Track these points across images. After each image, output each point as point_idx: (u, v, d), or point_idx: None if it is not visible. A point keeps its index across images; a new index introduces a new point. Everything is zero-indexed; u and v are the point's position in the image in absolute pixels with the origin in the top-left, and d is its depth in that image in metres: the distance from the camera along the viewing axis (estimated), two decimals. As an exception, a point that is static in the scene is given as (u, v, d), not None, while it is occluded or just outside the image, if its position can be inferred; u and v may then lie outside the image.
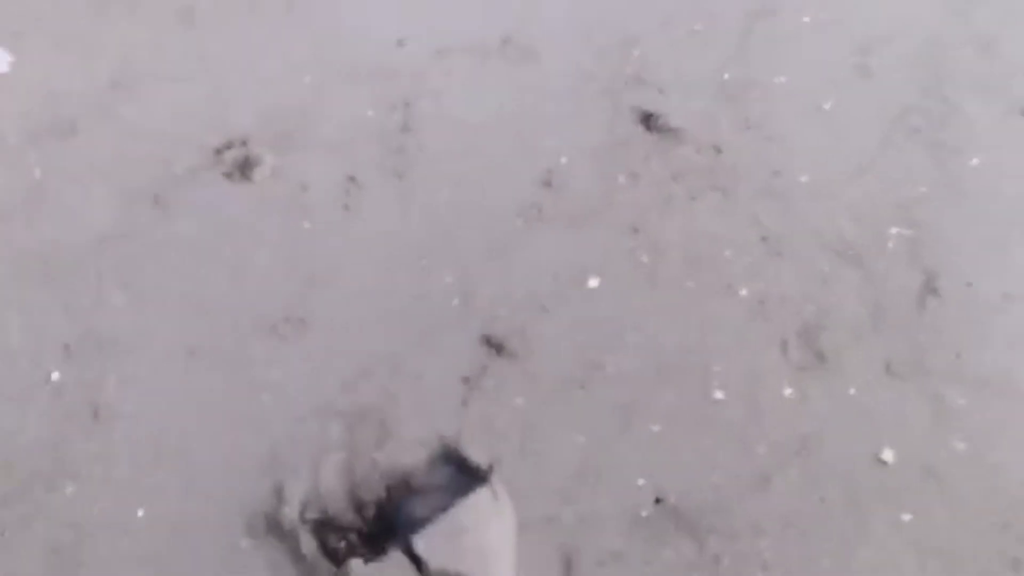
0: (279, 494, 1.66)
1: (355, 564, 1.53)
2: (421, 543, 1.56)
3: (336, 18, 2.80)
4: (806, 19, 3.03)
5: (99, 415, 1.78)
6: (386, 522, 1.66)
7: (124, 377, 1.82)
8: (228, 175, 2.20)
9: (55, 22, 2.67)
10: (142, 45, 2.59)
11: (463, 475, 1.72)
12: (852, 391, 1.97)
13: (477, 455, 1.75)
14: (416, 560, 1.54)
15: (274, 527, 1.62)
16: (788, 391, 1.96)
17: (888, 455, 1.86)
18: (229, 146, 2.28)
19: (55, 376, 1.83)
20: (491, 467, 1.71)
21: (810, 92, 2.74)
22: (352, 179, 2.25)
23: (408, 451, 1.75)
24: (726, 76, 2.76)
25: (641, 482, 1.76)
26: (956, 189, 2.47)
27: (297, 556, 1.58)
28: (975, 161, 2.54)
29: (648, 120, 2.55)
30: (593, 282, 2.11)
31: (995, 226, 2.37)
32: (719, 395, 1.93)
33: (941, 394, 1.99)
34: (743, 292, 2.14)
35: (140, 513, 1.65)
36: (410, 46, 2.70)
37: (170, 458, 1.73)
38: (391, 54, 2.67)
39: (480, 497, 1.64)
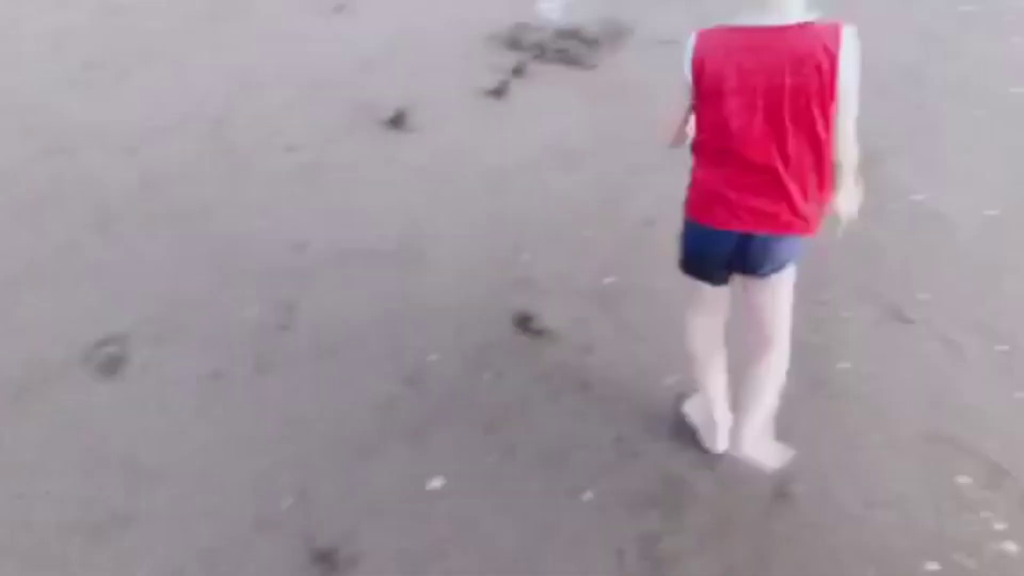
0: None
1: None
2: None
3: (244, 221, 3.02)
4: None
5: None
6: None
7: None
8: (98, 371, 2.29)
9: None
10: (44, 249, 2.80)
11: None
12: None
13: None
14: None
15: None
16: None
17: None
18: (105, 343, 2.39)
19: None
20: None
21: (681, 299, 2.85)
22: (217, 375, 2.33)
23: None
24: (606, 280, 2.90)
25: None
26: (819, 389, 2.49)
27: None
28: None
29: (524, 322, 2.65)
30: (436, 483, 2.12)
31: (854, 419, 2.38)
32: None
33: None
34: (587, 495, 2.13)
35: None
36: (309, 249, 2.89)
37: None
38: (289, 256, 2.84)
39: None
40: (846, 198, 1.78)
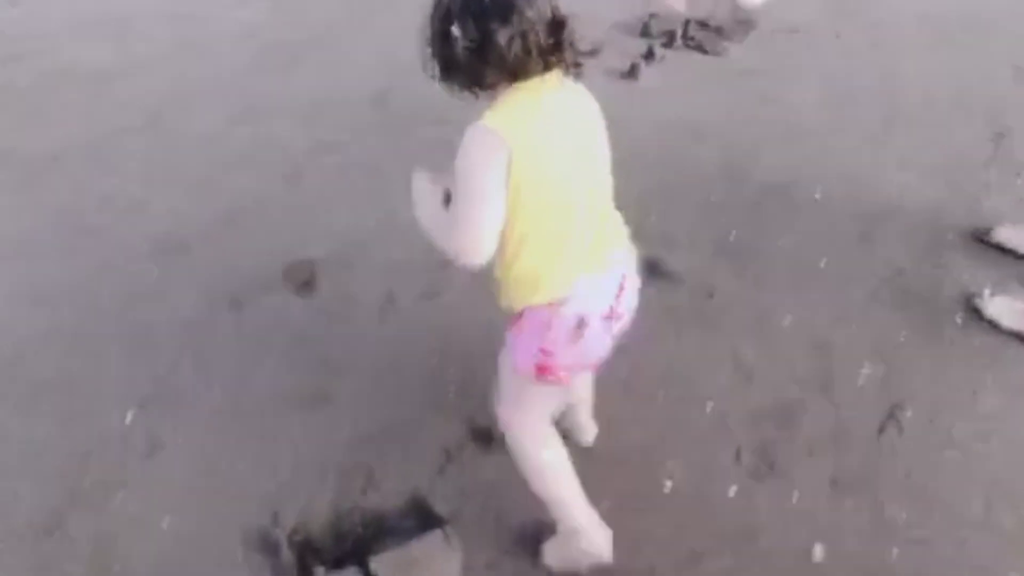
0: (275, 518, 2.03)
1: (318, 571, 1.86)
2: (375, 564, 1.86)
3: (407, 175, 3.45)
4: (817, 195, 3.42)
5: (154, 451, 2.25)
6: (358, 553, 1.97)
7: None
8: (296, 288, 2.75)
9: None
10: (246, 194, 3.31)
11: (427, 522, 2.02)
12: (795, 497, 2.16)
13: (442, 508, 2.07)
14: None
15: (264, 542, 1.98)
16: (734, 489, 2.17)
17: (819, 553, 2.02)
18: (300, 265, 2.86)
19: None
20: (448, 518, 2.01)
21: (809, 253, 3.08)
22: (391, 298, 2.74)
23: (387, 500, 2.09)
24: (732, 237, 3.15)
25: (581, 547, 2.00)
26: (936, 339, 2.67)
27: (277, 568, 1.92)
28: (958, 319, 2.76)
29: (652, 266, 2.94)
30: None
31: (968, 371, 2.55)
32: (668, 485, 2.17)
33: (882, 506, 2.13)
34: (709, 407, 2.41)
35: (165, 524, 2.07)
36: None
37: (205, 488, 2.16)
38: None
39: (433, 537, 1.94)
40: None
